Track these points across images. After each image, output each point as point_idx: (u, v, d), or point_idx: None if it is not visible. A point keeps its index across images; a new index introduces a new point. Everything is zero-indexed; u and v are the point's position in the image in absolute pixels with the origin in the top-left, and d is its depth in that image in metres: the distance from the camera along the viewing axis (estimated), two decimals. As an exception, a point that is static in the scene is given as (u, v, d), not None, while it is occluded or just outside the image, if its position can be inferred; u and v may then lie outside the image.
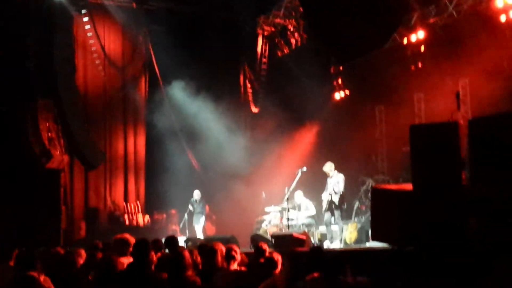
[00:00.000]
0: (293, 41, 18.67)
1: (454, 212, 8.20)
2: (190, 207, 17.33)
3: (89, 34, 17.89)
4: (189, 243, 13.88)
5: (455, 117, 9.10)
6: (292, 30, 18.60)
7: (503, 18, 13.96)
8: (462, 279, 7.06)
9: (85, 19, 17.67)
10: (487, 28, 14.30)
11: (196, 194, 17.47)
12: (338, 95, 18.33)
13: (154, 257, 6.21)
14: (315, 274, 6.04)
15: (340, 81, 18.40)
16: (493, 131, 8.32)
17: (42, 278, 4.90)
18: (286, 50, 19.21)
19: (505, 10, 13.85)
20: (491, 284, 6.72)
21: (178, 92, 19.04)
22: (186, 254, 6.40)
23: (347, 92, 18.39)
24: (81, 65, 18.23)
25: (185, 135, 19.48)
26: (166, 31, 18.43)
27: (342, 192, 14.02)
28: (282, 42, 19.23)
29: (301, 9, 17.53)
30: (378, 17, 11.72)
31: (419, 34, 15.77)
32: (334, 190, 14.02)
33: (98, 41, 18.22)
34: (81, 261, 8.27)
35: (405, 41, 16.29)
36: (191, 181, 18.33)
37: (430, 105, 15.96)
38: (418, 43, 15.92)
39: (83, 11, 17.51)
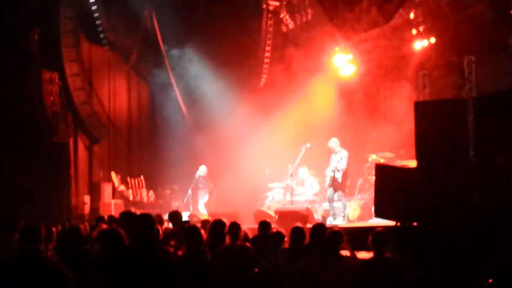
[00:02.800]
0: (298, 16, 18.48)
1: (459, 189, 8.22)
2: (194, 182, 17.34)
3: (93, 7, 17.75)
4: (193, 219, 13.95)
5: (460, 95, 9.08)
6: (298, 4, 18.41)
7: None
8: (464, 255, 7.10)
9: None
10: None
11: (202, 170, 17.46)
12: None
13: (160, 230, 6.25)
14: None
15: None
16: (498, 108, 8.31)
17: (48, 252, 4.93)
18: (290, 26, 19.01)
19: None
20: (492, 260, 6.75)
21: (184, 63, 19.01)
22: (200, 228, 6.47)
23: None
24: (85, 38, 18.15)
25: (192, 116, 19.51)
26: (171, 5, 18.33)
27: (345, 168, 14.03)
28: (287, 16, 19.02)
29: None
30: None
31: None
32: (337, 167, 14.02)
33: (102, 13, 18.07)
34: (86, 234, 8.34)
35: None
36: (195, 157, 18.32)
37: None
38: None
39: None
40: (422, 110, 8.97)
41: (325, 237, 6.33)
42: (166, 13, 18.50)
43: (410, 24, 15.39)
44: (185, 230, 6.42)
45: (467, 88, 10.32)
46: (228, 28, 18.38)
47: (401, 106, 14.20)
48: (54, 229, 8.55)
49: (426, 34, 14.97)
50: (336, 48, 16.71)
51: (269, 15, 19.04)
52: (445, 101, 9.01)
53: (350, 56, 16.46)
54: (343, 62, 16.54)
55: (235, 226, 6.73)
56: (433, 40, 14.81)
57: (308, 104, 17.45)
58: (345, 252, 6.49)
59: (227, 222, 6.90)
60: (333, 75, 17.14)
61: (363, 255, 6.78)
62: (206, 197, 17.48)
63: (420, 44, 15.08)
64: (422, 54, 14.99)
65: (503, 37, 12.78)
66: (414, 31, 15.24)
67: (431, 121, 8.80)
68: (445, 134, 8.64)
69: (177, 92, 19.48)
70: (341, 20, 12.76)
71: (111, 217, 9.82)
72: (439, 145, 8.70)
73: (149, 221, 5.81)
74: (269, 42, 19.28)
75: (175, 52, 19.55)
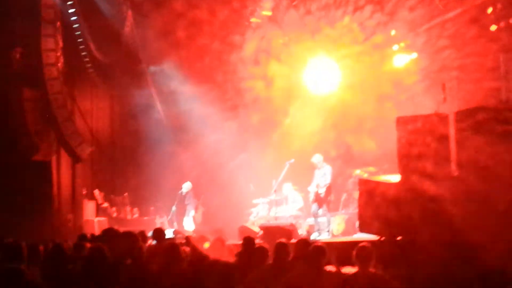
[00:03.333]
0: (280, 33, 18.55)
1: (441, 202, 8.27)
2: (178, 199, 17.26)
3: (75, 25, 17.71)
4: (178, 235, 13.88)
5: (441, 109, 9.17)
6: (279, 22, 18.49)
7: None
8: (448, 268, 7.13)
9: (71, 10, 17.50)
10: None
11: (186, 187, 17.40)
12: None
13: (143, 248, 6.22)
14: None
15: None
16: (479, 123, 8.40)
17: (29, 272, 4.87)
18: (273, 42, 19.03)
19: None
20: (479, 273, 6.80)
21: (166, 80, 19.02)
22: (179, 246, 6.44)
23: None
24: (66, 56, 18.08)
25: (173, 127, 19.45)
26: (151, 23, 18.36)
27: (329, 184, 14.09)
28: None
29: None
30: None
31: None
32: (319, 183, 14.11)
33: (84, 31, 18.03)
34: (70, 253, 8.26)
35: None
36: (180, 173, 18.26)
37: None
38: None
39: (69, 2, 17.34)
40: (404, 124, 9.04)
41: (310, 253, 6.33)
42: (147, 30, 18.49)
43: (391, 40, 15.59)
44: (163, 248, 6.38)
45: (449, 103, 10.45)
46: (210, 44, 18.39)
47: (384, 121, 14.31)
48: (41, 248, 8.49)
49: (407, 49, 15.17)
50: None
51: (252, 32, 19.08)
52: (427, 116, 9.08)
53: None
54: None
55: (219, 242, 6.73)
56: (414, 55, 15.01)
57: (292, 119, 17.49)
58: (330, 267, 6.50)
59: (211, 239, 6.90)
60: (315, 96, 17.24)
61: (348, 270, 6.79)
62: (192, 213, 17.40)
63: (402, 59, 15.29)
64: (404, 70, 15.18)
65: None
66: (395, 47, 15.43)
67: (413, 136, 8.87)
68: (427, 148, 8.71)
69: (159, 109, 19.45)
70: (323, 36, 12.91)
71: (93, 236, 9.76)
72: (422, 159, 8.76)
73: (132, 239, 5.79)
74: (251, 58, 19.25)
75: (156, 69, 19.52)
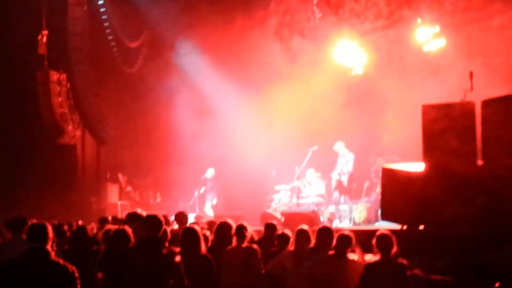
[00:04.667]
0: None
1: (466, 193, 8.19)
2: (201, 184, 17.34)
3: (102, 9, 17.82)
4: (200, 220, 13.95)
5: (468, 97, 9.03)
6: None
7: None
8: (471, 259, 7.06)
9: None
10: None
11: (209, 173, 17.45)
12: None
13: (168, 231, 6.24)
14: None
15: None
16: (506, 112, 8.29)
17: (54, 252, 4.93)
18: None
19: None
20: (499, 264, 6.73)
21: (190, 64, 19.03)
22: (198, 228, 6.46)
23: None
24: (93, 39, 18.20)
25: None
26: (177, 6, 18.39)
27: (351, 171, 14.04)
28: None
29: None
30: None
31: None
32: (342, 170, 14.05)
33: (111, 16, 18.12)
34: (92, 235, 8.38)
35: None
36: (203, 159, 18.31)
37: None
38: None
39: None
40: (429, 113, 8.94)
41: (334, 241, 6.33)
42: (173, 13, 18.49)
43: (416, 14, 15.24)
44: (183, 232, 6.40)
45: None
46: (233, 21, 18.21)
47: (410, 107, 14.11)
48: (66, 227, 8.61)
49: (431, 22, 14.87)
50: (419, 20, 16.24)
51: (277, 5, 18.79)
52: (453, 104, 8.96)
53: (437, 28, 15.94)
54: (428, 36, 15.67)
55: (241, 228, 6.74)
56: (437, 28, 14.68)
57: (315, 104, 17.34)
58: (352, 255, 6.49)
59: (234, 224, 6.91)
60: (339, 74, 16.97)
61: (370, 257, 6.77)
62: (215, 200, 17.45)
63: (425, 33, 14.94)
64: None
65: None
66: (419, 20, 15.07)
67: (439, 124, 8.77)
68: (452, 137, 8.61)
69: (182, 91, 19.47)
70: (347, 11, 12.73)
71: (115, 218, 9.86)
72: (446, 148, 8.67)
73: (156, 222, 5.82)
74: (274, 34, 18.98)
75: (181, 53, 19.47)
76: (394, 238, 6.07)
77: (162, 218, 5.87)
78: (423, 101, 9.21)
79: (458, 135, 8.53)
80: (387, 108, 16.43)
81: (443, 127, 8.72)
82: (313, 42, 17.14)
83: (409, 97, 14.15)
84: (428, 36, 14.93)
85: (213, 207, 17.34)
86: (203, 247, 6.28)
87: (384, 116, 16.42)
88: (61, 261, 4.87)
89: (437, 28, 14.75)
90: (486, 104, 8.50)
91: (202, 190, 17.24)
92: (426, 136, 8.92)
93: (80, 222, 10.55)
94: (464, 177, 8.33)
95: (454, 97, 9.19)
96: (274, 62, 18.14)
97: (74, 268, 4.86)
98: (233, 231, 6.78)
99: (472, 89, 9.29)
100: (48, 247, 4.89)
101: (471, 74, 9.39)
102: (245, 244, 6.66)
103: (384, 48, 15.83)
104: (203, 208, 17.35)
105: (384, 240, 6.05)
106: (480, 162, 8.57)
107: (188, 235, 6.28)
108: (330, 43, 16.88)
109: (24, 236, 5.88)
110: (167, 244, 5.80)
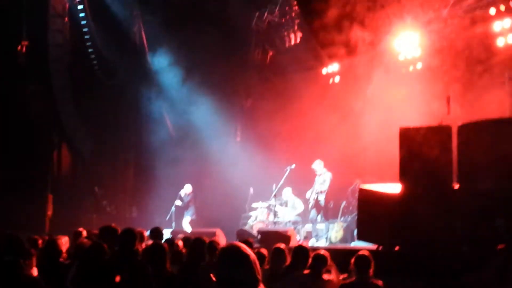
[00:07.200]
0: (287, 39, 18.48)
1: (442, 215, 8.26)
2: (178, 200, 17.24)
3: (83, 22, 17.72)
4: (179, 235, 13.85)
5: (444, 122, 9.15)
6: (287, 28, 18.42)
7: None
8: (445, 279, 7.11)
9: (80, 6, 17.50)
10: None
11: (186, 188, 17.37)
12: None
13: (140, 247, 6.19)
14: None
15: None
16: (482, 136, 8.40)
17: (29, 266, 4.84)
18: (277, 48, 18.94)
19: None
20: (475, 285, 6.77)
21: (170, 81, 19.04)
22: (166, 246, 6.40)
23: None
24: (73, 51, 18.07)
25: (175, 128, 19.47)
26: (159, 21, 18.39)
27: (327, 190, 14.13)
28: (275, 39, 19.00)
29: (297, 8, 17.44)
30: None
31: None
32: (319, 189, 14.13)
33: (91, 27, 18.01)
34: (65, 249, 8.25)
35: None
36: (180, 174, 18.23)
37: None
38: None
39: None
40: (407, 135, 9.03)
41: (310, 260, 6.32)
42: (155, 28, 18.54)
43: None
44: (146, 249, 6.33)
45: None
46: (216, 48, 18.35)
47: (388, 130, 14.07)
48: (40, 241, 8.49)
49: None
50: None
51: (258, 36, 19.06)
52: (430, 127, 9.07)
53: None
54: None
55: (213, 245, 6.72)
56: None
57: (294, 124, 17.40)
58: (327, 275, 6.48)
59: (207, 240, 6.88)
60: (321, 88, 17.00)
61: (345, 278, 6.76)
62: (191, 215, 17.34)
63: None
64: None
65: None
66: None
67: (415, 147, 8.86)
68: (429, 159, 8.69)
69: (163, 109, 19.45)
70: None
71: (89, 232, 9.74)
72: (423, 170, 8.75)
73: (128, 237, 5.77)
74: (256, 62, 19.25)
75: (161, 68, 19.48)
76: (371, 260, 6.09)
77: (136, 233, 5.82)
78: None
79: (435, 158, 8.62)
80: (366, 129, 16.46)
81: (420, 149, 8.81)
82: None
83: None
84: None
85: (191, 222, 17.23)
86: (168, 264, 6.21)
87: (361, 139, 16.44)
88: (32, 276, 4.79)
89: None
90: (462, 128, 8.62)
91: (180, 203, 17.13)
92: (403, 157, 9.00)
93: (52, 236, 10.41)
94: (440, 199, 8.41)
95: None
96: (256, 89, 18.31)
97: (44, 283, 4.78)
98: (207, 247, 6.75)
99: (449, 113, 9.41)
100: (21, 260, 4.80)
101: (448, 99, 9.52)
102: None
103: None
104: (179, 223, 17.22)
105: (362, 261, 6.06)
106: (456, 185, 8.66)
107: (154, 252, 6.22)
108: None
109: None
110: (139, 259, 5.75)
